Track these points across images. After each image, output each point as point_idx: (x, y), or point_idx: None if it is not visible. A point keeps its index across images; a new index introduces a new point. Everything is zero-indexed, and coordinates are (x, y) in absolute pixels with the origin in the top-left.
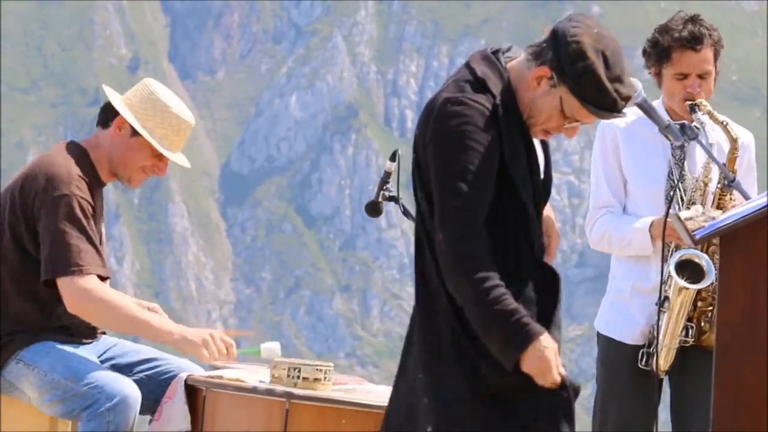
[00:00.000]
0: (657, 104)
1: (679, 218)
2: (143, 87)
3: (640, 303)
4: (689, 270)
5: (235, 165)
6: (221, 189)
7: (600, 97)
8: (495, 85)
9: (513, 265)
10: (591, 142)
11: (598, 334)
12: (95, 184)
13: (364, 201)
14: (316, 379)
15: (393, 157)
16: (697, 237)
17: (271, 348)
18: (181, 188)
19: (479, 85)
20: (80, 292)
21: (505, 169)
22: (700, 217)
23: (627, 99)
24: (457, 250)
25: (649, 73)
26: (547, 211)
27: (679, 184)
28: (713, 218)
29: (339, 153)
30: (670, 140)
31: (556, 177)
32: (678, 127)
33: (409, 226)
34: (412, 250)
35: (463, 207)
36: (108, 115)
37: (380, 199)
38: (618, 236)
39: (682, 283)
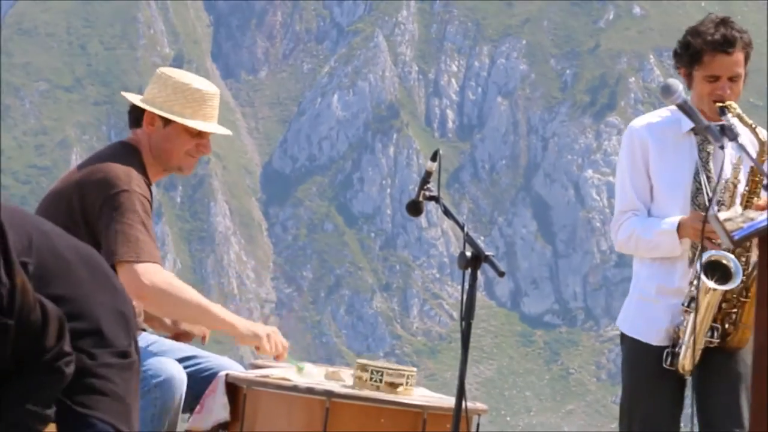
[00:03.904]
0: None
1: (717, 219)
2: (157, 77)
3: (665, 304)
4: (716, 271)
5: (277, 164)
6: (263, 188)
7: None
8: None
9: None
10: None
11: (623, 335)
12: (147, 184)
13: (405, 200)
14: (398, 384)
15: (434, 157)
16: (736, 238)
17: (311, 372)
18: (223, 187)
19: None
20: (143, 277)
21: None
22: (739, 218)
23: None
24: None
25: (679, 74)
26: None
27: (706, 185)
28: (752, 219)
29: (380, 152)
30: (709, 140)
31: (596, 177)
32: (718, 128)
33: (449, 226)
34: (452, 249)
35: None
36: (136, 115)
37: (421, 199)
38: (646, 239)
39: (710, 284)
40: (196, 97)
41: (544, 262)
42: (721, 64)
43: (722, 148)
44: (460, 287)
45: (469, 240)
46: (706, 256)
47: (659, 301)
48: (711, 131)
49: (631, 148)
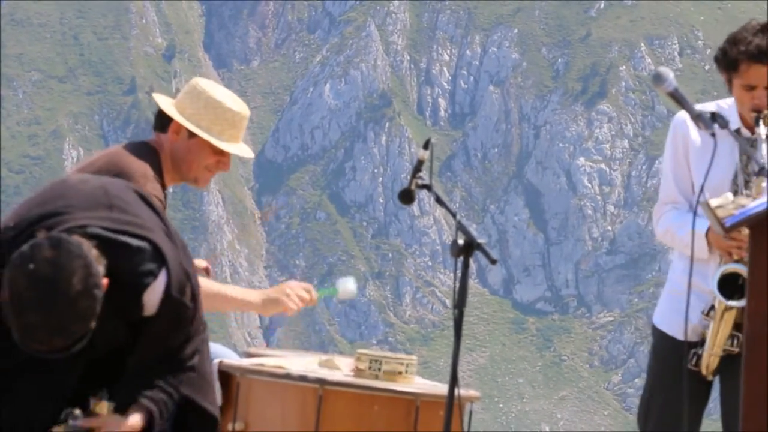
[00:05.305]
0: (731, 106)
1: (708, 206)
2: (192, 88)
3: (696, 301)
4: (736, 283)
5: (270, 153)
6: (256, 177)
7: None
8: None
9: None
10: (622, 131)
11: (653, 327)
12: (162, 186)
13: (397, 189)
14: (397, 373)
15: (426, 146)
16: (728, 225)
17: (346, 285)
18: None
19: None
20: None
21: None
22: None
23: None
24: None
25: (723, 78)
26: None
27: (743, 189)
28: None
29: (372, 141)
30: (700, 127)
31: (587, 165)
32: (709, 115)
33: (441, 214)
34: (444, 237)
35: None
36: (163, 120)
37: (413, 187)
38: (679, 236)
39: (722, 300)
40: (227, 116)
41: (536, 249)
42: (756, 74)
43: (713, 135)
44: (452, 275)
45: (461, 228)
46: (722, 269)
47: (691, 297)
48: (702, 119)
49: (674, 141)
